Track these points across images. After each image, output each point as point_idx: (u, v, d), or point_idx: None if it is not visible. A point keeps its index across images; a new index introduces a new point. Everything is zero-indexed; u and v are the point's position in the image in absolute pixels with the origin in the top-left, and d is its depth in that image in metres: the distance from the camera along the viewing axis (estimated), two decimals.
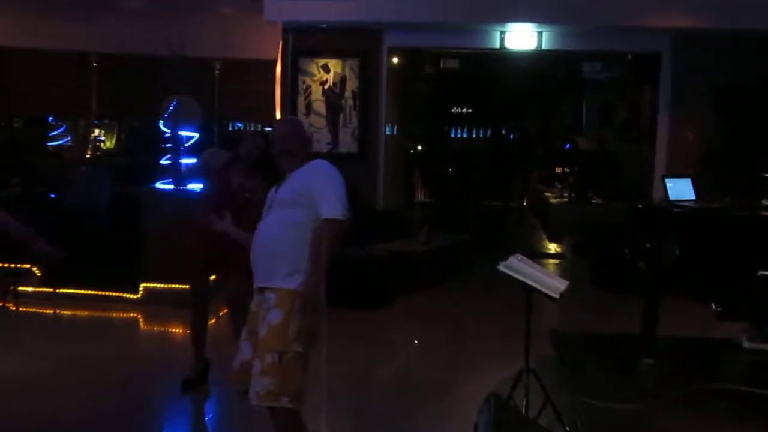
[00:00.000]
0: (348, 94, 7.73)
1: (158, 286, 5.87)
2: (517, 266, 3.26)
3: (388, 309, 6.07)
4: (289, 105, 7.74)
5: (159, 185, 6.20)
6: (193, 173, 5.26)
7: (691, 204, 4.49)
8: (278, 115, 7.96)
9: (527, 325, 3.35)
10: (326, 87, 7.74)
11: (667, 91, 7.69)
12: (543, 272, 3.34)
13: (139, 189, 6.31)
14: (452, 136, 14.94)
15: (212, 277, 4.19)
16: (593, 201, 10.80)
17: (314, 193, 2.57)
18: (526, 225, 12.09)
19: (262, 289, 2.69)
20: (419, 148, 13.20)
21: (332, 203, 2.52)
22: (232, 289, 3.87)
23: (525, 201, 12.70)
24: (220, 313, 5.24)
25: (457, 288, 7.09)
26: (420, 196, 12.76)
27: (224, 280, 3.91)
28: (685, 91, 7.54)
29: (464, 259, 7.86)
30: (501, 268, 3.24)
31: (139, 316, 5.73)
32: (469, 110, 15.17)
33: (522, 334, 3.37)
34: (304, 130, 2.92)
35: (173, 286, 5.70)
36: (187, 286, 4.24)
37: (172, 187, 6.05)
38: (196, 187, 5.35)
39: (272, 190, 2.84)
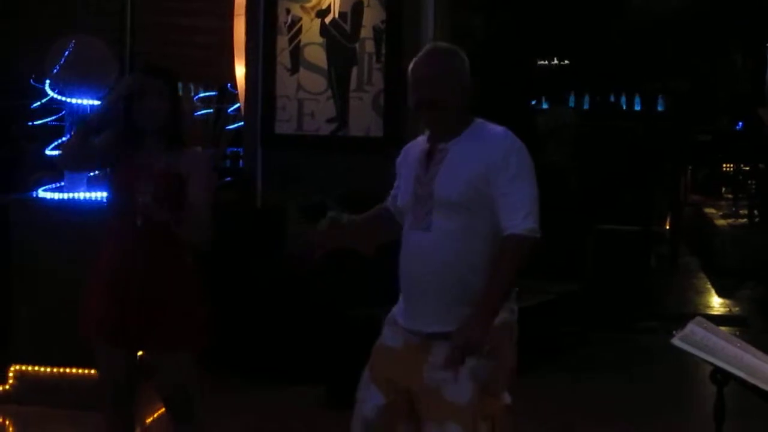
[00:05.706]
0: (366, 33, 7.82)
1: (41, 370, 6.01)
2: (703, 340, 3.45)
3: None
4: (260, 52, 7.79)
5: (41, 193, 6.40)
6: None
7: None
8: (238, 70, 8.03)
9: None
10: (328, 20, 7.82)
11: None
12: (749, 350, 3.50)
13: (3, 199, 6.55)
14: (540, 106, 15.42)
15: (138, 353, 4.33)
16: None
17: (495, 193, 3.15)
18: (673, 265, 12.40)
19: (429, 335, 3.27)
20: None
21: (524, 211, 3.09)
22: (173, 374, 4.07)
23: (669, 222, 13.15)
24: (148, 420, 5.51)
25: (566, 379, 7.27)
26: None
27: (160, 359, 4.11)
28: None
29: (574, 326, 8.14)
30: (677, 341, 3.46)
31: (7, 423, 5.93)
32: (566, 61, 15.75)
33: None
34: (465, 69, 3.29)
35: (70, 370, 5.88)
36: (94, 371, 4.51)
37: (63, 195, 6.21)
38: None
39: (405, 174, 3.45)
